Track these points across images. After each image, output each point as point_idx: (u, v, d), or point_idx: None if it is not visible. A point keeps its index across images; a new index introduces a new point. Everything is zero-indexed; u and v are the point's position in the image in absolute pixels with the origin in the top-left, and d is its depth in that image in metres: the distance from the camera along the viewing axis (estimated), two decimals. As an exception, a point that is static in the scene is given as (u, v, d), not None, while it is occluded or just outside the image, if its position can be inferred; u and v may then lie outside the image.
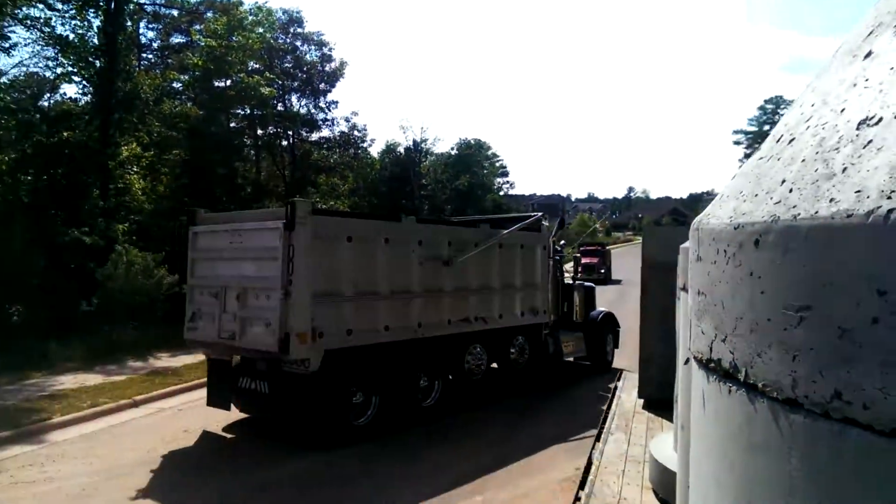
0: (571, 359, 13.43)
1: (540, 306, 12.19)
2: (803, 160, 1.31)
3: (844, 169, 1.17)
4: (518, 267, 11.70)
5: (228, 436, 9.58)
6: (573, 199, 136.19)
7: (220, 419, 10.46)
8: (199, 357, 14.94)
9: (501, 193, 65.69)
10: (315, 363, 8.16)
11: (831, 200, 1.15)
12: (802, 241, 1.17)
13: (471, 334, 10.76)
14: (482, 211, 57.53)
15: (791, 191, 1.27)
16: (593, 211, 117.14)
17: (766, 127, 69.60)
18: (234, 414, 10.27)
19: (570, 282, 13.93)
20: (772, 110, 69.52)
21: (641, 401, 7.37)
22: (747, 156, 72.22)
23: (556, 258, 13.01)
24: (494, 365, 11.73)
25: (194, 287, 9.62)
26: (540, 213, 12.84)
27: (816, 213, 1.16)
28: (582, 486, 4.95)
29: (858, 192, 1.10)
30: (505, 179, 68.93)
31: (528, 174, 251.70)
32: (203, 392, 12.15)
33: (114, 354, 14.57)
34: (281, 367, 8.48)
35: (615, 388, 8.30)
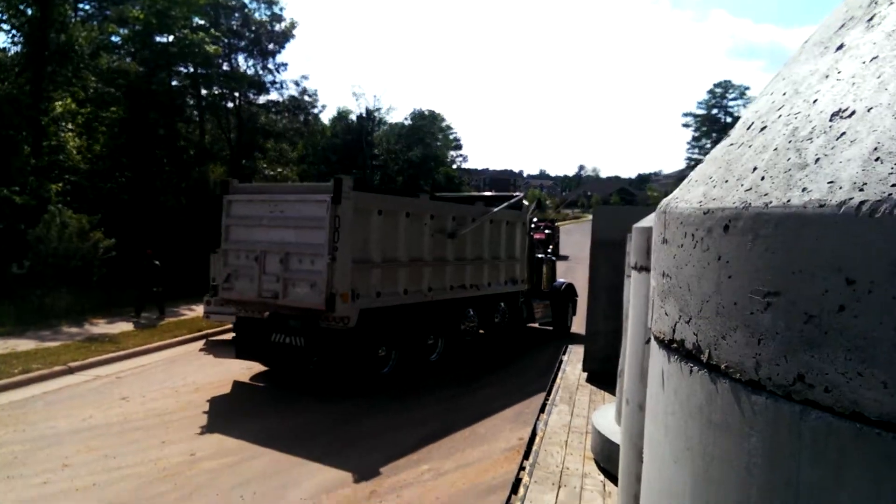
0: (537, 324, 15.05)
1: (519, 276, 14.04)
2: (775, 149, 1.33)
3: (817, 159, 1.20)
4: (504, 241, 13.39)
5: (171, 401, 9.37)
6: (525, 174, 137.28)
7: (155, 386, 10.25)
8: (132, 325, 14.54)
9: (454, 166, 65.55)
10: (353, 320, 9.44)
11: (804, 190, 1.17)
12: (773, 228, 1.19)
13: (466, 300, 12.38)
14: (435, 184, 57.36)
15: (763, 178, 1.29)
16: (544, 188, 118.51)
17: (715, 111, 71.67)
18: (173, 378, 10.04)
19: (540, 255, 15.48)
20: (720, 94, 71.49)
21: (585, 374, 7.56)
22: (695, 138, 74.26)
23: (530, 234, 14.75)
24: (481, 331, 13.56)
25: (229, 251, 10.50)
26: (521, 194, 15.12)
27: (788, 201, 1.18)
28: (526, 455, 5.07)
29: (831, 182, 1.13)
30: (458, 153, 68.85)
31: (482, 148, 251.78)
32: (141, 359, 11.92)
33: (47, 320, 13.97)
34: (318, 324, 9.58)
35: (560, 361, 8.50)
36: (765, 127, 1.41)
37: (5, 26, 19.44)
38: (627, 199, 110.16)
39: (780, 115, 1.39)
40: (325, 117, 43.40)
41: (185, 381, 10.54)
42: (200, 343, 13.61)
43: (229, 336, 14.27)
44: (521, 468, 4.74)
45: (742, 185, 1.33)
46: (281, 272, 9.69)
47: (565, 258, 39.24)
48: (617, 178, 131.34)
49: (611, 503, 4.13)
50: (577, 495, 4.23)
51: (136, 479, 6.68)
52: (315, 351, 9.86)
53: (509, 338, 14.00)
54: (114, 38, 24.89)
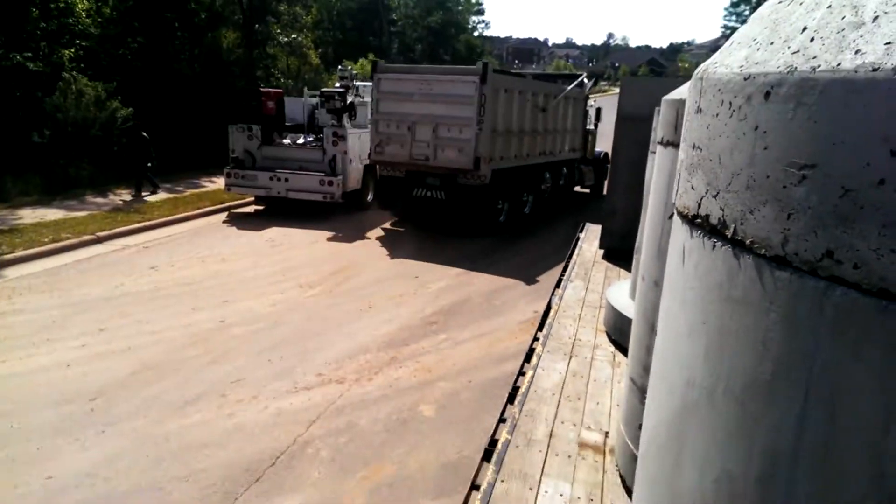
0: (582, 188, 18.18)
1: (578, 146, 16.67)
2: (829, 6, 1.20)
3: (876, 17, 1.08)
4: (570, 115, 15.74)
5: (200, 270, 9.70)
6: (550, 43, 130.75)
7: (182, 256, 10.56)
8: (163, 196, 14.75)
9: (476, 34, 62.38)
10: (488, 178, 11.90)
11: (857, 52, 1.07)
12: (818, 95, 1.11)
13: (546, 164, 14.84)
14: (455, 52, 55.05)
15: (812, 39, 1.18)
16: (570, 58, 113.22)
17: (755, -26, 66.07)
18: (199, 249, 10.31)
19: (589, 127, 17.59)
20: (763, -44, 65.57)
21: (601, 251, 7.61)
22: (734, 4, 69.23)
23: (586, 109, 17.06)
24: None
25: (380, 121, 12.43)
26: (584, 74, 17.39)
27: (839, 65, 1.08)
28: (540, 327, 5.23)
29: (888, 44, 1.02)
30: (480, 19, 65.22)
31: (505, 14, 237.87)
32: (167, 230, 12.23)
33: (72, 190, 14.20)
34: (456, 181, 12.08)
35: (577, 238, 8.54)
36: (821, -20, 1.27)
37: None
38: (657, 70, 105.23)
39: (839, -33, 1.24)
40: (341, -22, 40.77)
41: (210, 252, 10.84)
42: (223, 215, 13.84)
43: (251, 209, 14.54)
44: (535, 339, 4.91)
45: (789, 48, 1.22)
46: (431, 139, 11.98)
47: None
48: (647, 47, 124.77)
49: (620, 372, 4.29)
50: (588, 364, 4.39)
51: (169, 343, 7.07)
52: (453, 202, 12.30)
53: (568, 196, 17.28)
54: None
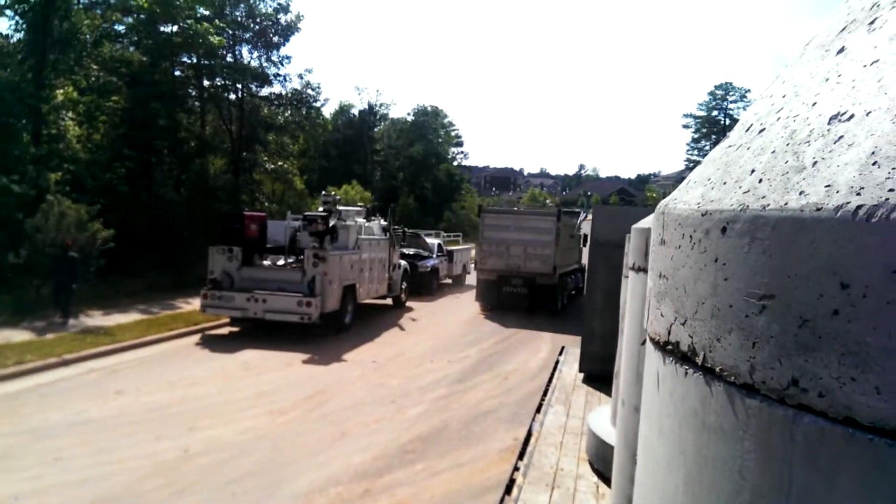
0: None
1: (579, 259, 21.64)
2: (773, 151, 1.32)
3: (815, 163, 1.19)
4: (575, 238, 21.68)
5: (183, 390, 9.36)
6: (525, 172, 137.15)
7: (151, 380, 10.24)
8: (134, 317, 14.55)
9: (455, 163, 65.38)
10: (556, 279, 18.47)
11: (801, 193, 1.16)
12: (770, 231, 1.19)
13: (572, 271, 21.32)
14: (435, 180, 57.31)
15: (760, 181, 1.28)
16: (545, 186, 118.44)
17: (715, 112, 71.53)
18: (169, 372, 10.02)
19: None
20: (721, 96, 71.28)
21: (581, 375, 7.55)
22: (695, 140, 74.13)
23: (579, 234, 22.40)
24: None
25: (484, 243, 18.91)
26: (582, 210, 26.11)
27: (786, 204, 1.17)
28: (521, 456, 5.06)
29: (828, 186, 1.12)
30: (459, 149, 68.59)
31: (482, 146, 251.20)
32: (137, 353, 11.95)
33: (44, 310, 13.92)
34: (535, 282, 18.34)
35: (557, 361, 8.50)
36: (763, 129, 1.41)
37: (9, 12, 19.36)
38: (627, 199, 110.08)
39: (778, 118, 1.38)
40: (327, 111, 43.23)
41: (180, 375, 10.53)
42: (197, 337, 13.59)
43: (226, 330, 14.33)
44: (516, 468, 4.74)
45: (740, 188, 1.32)
46: (522, 255, 18.36)
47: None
48: (617, 177, 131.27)
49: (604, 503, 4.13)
50: (571, 496, 4.23)
51: (129, 474, 6.67)
52: (533, 295, 18.49)
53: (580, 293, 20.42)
54: (117, 27, 24.82)
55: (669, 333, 1.49)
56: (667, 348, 1.50)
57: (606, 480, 4.44)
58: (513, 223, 18.72)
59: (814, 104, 1.31)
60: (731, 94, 71.16)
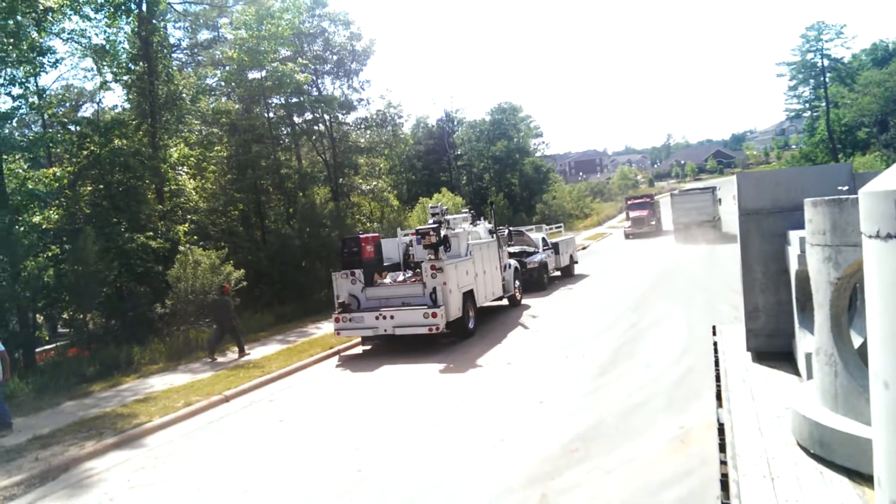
0: None
1: None
2: None
3: None
4: None
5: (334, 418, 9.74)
6: (609, 152, 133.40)
7: (306, 405, 10.67)
8: (275, 347, 15.30)
9: (538, 154, 64.57)
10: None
11: None
12: None
13: None
14: (522, 175, 56.85)
15: None
16: (632, 162, 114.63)
17: (810, 55, 66.31)
18: (321, 395, 10.39)
19: None
20: (815, 37, 65.95)
21: (749, 354, 7.11)
22: (792, 87, 69.06)
23: None
24: None
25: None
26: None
27: None
28: (722, 447, 4.78)
29: None
30: (540, 140, 67.67)
31: (562, 132, 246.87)
32: (287, 381, 12.52)
33: (194, 353, 14.96)
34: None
35: (714, 343, 8.06)
36: None
37: (115, 85, 21.01)
38: (724, 161, 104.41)
39: None
40: (407, 127, 43.96)
41: (332, 397, 10.96)
42: (335, 359, 14.12)
43: (359, 349, 14.79)
44: (723, 462, 4.48)
45: None
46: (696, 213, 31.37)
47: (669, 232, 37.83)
48: (709, 141, 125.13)
49: (835, 490, 3.81)
50: (798, 484, 3.94)
51: (311, 499, 6.95)
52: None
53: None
54: (208, 80, 26.43)
55: None
56: None
57: (828, 464, 4.12)
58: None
59: None
60: (824, 33, 65.67)
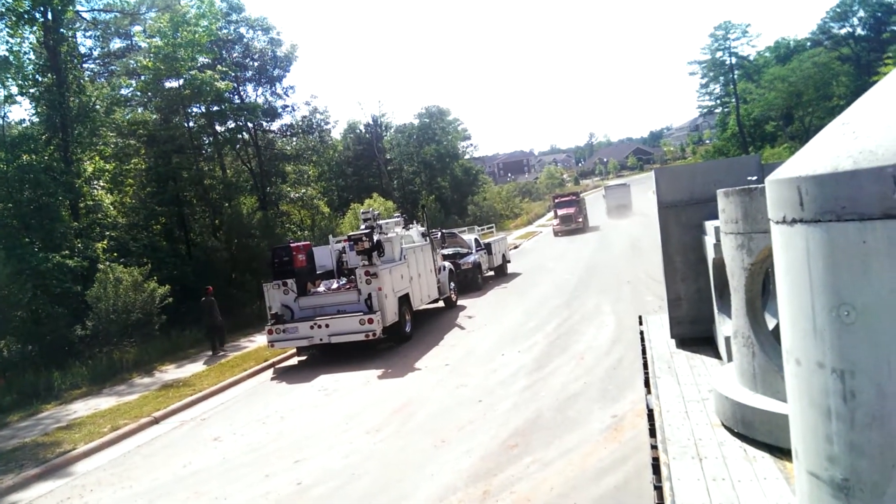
0: None
1: None
2: None
3: None
4: None
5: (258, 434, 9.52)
6: (536, 153, 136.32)
7: (241, 421, 10.40)
8: (205, 364, 14.78)
9: (467, 157, 65.18)
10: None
11: None
12: None
13: None
14: (452, 178, 57.27)
15: None
16: (558, 162, 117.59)
17: (719, 53, 70.00)
18: (256, 410, 10.15)
19: None
20: (723, 36, 69.67)
21: (673, 341, 7.44)
22: (703, 85, 72.64)
23: None
24: None
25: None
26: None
27: None
28: (652, 432, 4.99)
29: None
30: (468, 143, 68.33)
31: (490, 134, 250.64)
32: (219, 398, 12.13)
33: (119, 375, 14.28)
34: None
35: (641, 332, 8.39)
36: None
37: (23, 99, 19.81)
38: (643, 157, 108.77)
39: None
40: (337, 132, 43.45)
41: (268, 412, 10.70)
42: (270, 371, 13.79)
43: (295, 360, 14.51)
44: (653, 447, 4.67)
45: None
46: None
47: (596, 229, 39.11)
48: (629, 139, 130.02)
49: (759, 467, 4.05)
50: (723, 463, 4.15)
51: (254, 514, 6.78)
52: None
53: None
54: (123, 91, 25.28)
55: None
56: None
57: (751, 442, 4.37)
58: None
59: None
60: (731, 31, 69.51)
